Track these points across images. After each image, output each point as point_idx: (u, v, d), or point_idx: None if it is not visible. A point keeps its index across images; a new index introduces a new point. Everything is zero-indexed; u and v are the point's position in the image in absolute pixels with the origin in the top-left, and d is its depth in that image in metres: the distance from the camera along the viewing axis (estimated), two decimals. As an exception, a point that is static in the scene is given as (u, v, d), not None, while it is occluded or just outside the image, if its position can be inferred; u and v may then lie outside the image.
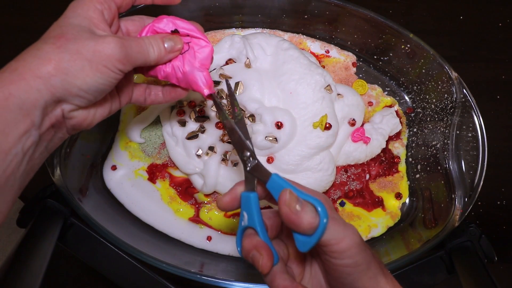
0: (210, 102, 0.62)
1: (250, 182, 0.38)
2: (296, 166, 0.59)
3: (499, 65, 0.78)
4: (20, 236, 0.51)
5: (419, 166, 0.65)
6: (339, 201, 0.64)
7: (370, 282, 0.34)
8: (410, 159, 0.67)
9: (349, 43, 0.71)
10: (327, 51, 0.71)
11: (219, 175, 0.59)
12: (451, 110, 0.61)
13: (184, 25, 0.46)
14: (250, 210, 0.37)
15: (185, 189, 0.63)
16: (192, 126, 0.62)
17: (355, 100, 0.64)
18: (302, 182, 0.59)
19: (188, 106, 0.63)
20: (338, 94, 0.64)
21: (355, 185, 0.65)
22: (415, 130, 0.68)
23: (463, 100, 0.61)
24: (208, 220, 0.62)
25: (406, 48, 0.66)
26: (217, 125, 0.61)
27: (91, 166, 0.62)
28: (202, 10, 0.67)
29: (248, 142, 0.40)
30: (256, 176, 0.38)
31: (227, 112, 0.44)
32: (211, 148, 0.60)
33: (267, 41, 0.64)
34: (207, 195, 0.62)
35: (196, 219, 0.62)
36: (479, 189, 0.57)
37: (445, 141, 0.61)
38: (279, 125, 0.59)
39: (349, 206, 0.64)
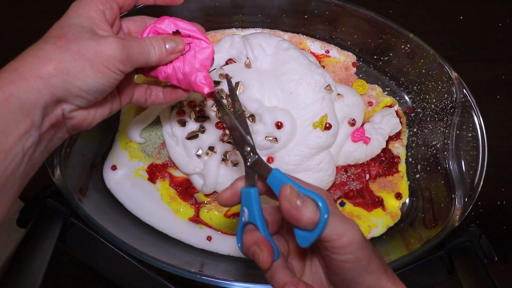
0: (210, 102, 0.62)
1: (251, 178, 0.38)
2: (296, 166, 0.59)
3: (499, 65, 0.78)
4: (20, 236, 0.51)
5: (419, 166, 0.65)
6: (339, 201, 0.64)
7: (371, 278, 0.34)
8: (410, 159, 0.67)
9: (349, 43, 0.71)
10: (327, 51, 0.71)
11: (219, 175, 0.59)
12: (451, 110, 0.61)
13: (185, 26, 0.46)
14: (251, 205, 0.37)
15: (185, 189, 0.63)
16: (192, 126, 0.62)
17: (355, 100, 0.64)
18: (302, 182, 0.59)
19: (188, 106, 0.63)
20: (338, 94, 0.64)
21: (355, 185, 0.65)
22: (415, 130, 0.68)
23: (463, 100, 0.61)
24: (208, 220, 0.62)
25: (406, 48, 0.66)
26: (217, 125, 0.61)
27: (91, 166, 0.62)
28: (202, 10, 0.68)
29: (248, 137, 0.40)
30: (257, 171, 0.38)
31: (228, 108, 0.44)
32: (211, 148, 0.60)
33: (267, 41, 0.64)
34: (207, 195, 0.62)
35: (196, 219, 0.62)
36: (479, 189, 0.57)
37: (445, 141, 0.61)
38: (279, 125, 0.59)
39: (349, 206, 0.64)
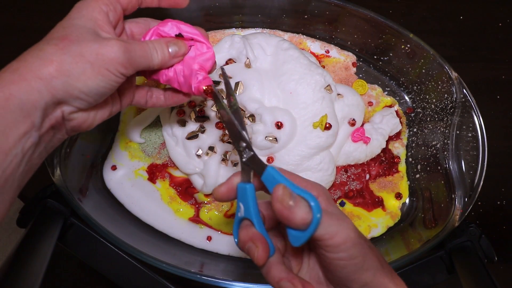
0: (210, 102, 0.62)
1: (247, 173, 0.38)
2: (296, 166, 0.59)
3: (499, 65, 0.78)
4: (20, 236, 0.51)
5: (419, 166, 0.65)
6: (339, 201, 0.64)
7: (367, 275, 0.34)
8: (410, 159, 0.67)
9: (349, 43, 0.71)
10: (327, 51, 0.71)
11: (219, 175, 0.59)
12: (451, 110, 0.62)
13: (188, 30, 0.46)
14: (246, 201, 0.36)
15: (185, 189, 0.63)
16: (192, 126, 0.62)
17: (355, 100, 0.64)
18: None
19: (188, 106, 0.63)
20: (338, 94, 0.64)
21: (355, 185, 0.65)
22: (415, 130, 0.68)
23: (463, 100, 0.61)
24: (208, 220, 0.62)
25: (406, 48, 0.66)
26: (217, 125, 0.61)
27: (91, 166, 0.62)
28: (202, 10, 0.67)
29: (244, 132, 0.40)
30: (252, 167, 0.38)
31: (224, 101, 0.43)
32: (211, 148, 0.60)
33: (267, 41, 0.64)
34: (207, 195, 0.62)
35: (196, 219, 0.62)
36: (479, 189, 0.57)
37: (445, 141, 0.61)
38: (279, 125, 0.59)
39: (349, 206, 0.64)
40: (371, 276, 0.34)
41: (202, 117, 0.62)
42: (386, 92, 0.71)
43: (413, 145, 0.67)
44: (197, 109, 0.62)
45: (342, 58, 0.71)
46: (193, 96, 0.63)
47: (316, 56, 0.70)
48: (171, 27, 0.46)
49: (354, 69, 0.71)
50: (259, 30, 0.72)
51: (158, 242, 0.59)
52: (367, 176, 0.66)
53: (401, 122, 0.68)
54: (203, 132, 0.61)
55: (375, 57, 0.70)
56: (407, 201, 0.65)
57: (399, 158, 0.67)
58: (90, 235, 0.56)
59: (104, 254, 0.56)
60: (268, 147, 0.59)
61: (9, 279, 0.45)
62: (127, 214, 0.61)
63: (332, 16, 0.68)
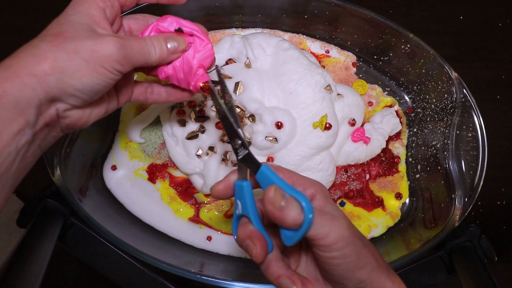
0: (210, 102, 0.62)
1: (243, 171, 0.38)
2: (296, 166, 0.59)
3: (499, 65, 0.78)
4: (20, 236, 0.51)
5: (419, 166, 0.65)
6: (339, 201, 0.64)
7: (362, 272, 0.34)
8: (410, 159, 0.67)
9: (349, 43, 0.71)
10: (327, 51, 0.71)
11: (219, 175, 0.59)
12: (451, 110, 0.62)
13: (188, 25, 0.46)
14: (243, 198, 0.36)
15: (185, 189, 0.63)
16: (192, 126, 0.62)
17: (355, 100, 0.64)
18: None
19: (188, 106, 0.63)
20: (338, 94, 0.64)
21: (355, 185, 0.65)
22: (415, 130, 0.68)
23: (463, 100, 0.61)
24: (208, 220, 0.62)
25: (406, 48, 0.66)
26: (217, 125, 0.61)
27: (91, 166, 0.62)
28: (202, 10, 0.68)
29: (240, 130, 0.40)
30: (247, 166, 0.38)
31: (220, 97, 0.43)
32: (211, 148, 0.60)
33: (267, 41, 0.64)
34: (207, 195, 0.62)
35: (196, 219, 0.62)
36: (479, 189, 0.57)
37: (445, 141, 0.61)
38: (279, 125, 0.59)
39: (349, 206, 0.64)
40: (366, 274, 0.34)
41: (202, 117, 0.62)
42: (386, 92, 0.71)
43: (413, 145, 0.67)
44: (197, 109, 0.62)
45: (342, 58, 0.71)
46: (194, 96, 0.63)
47: (316, 56, 0.70)
48: (170, 22, 0.45)
49: (354, 69, 0.71)
50: (259, 30, 0.72)
51: (158, 242, 0.59)
52: (367, 176, 0.66)
53: (401, 122, 0.68)
54: (203, 132, 0.61)
55: (375, 57, 0.70)
56: (407, 201, 0.65)
57: (399, 158, 0.67)
58: (90, 235, 0.56)
59: (104, 254, 0.56)
60: (268, 147, 0.59)
61: (9, 279, 0.45)
62: (127, 214, 0.61)
63: (332, 16, 0.68)
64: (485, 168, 0.57)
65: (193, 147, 0.61)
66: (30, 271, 0.47)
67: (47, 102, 0.36)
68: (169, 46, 0.43)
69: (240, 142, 0.39)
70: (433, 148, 0.63)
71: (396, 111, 0.69)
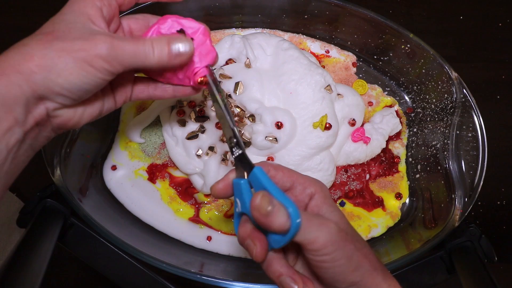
0: (210, 102, 0.62)
1: (240, 169, 0.38)
2: (296, 166, 0.59)
3: (499, 65, 0.78)
4: (20, 236, 0.51)
5: (419, 166, 0.65)
6: (339, 201, 0.64)
7: (353, 275, 0.34)
8: (410, 159, 0.67)
9: (349, 43, 0.71)
10: (327, 51, 0.71)
11: (219, 175, 0.59)
12: (451, 110, 0.62)
13: (190, 25, 0.44)
14: (242, 196, 0.36)
15: (185, 189, 0.63)
16: (192, 126, 0.62)
17: (355, 100, 0.64)
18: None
19: (188, 106, 0.63)
20: (338, 94, 0.64)
21: (355, 185, 0.65)
22: (415, 130, 0.68)
23: (463, 100, 0.61)
24: (208, 220, 0.62)
25: (406, 48, 0.66)
26: (217, 125, 0.61)
27: (91, 166, 0.62)
28: (202, 10, 0.68)
29: (235, 129, 0.39)
30: (241, 165, 0.38)
31: (218, 95, 0.42)
32: (211, 148, 0.60)
33: (267, 41, 0.64)
34: (207, 195, 0.62)
35: (196, 219, 0.62)
36: (479, 189, 0.57)
37: (445, 141, 0.61)
38: (279, 125, 0.59)
39: (349, 206, 0.64)
40: (359, 277, 0.34)
41: (202, 117, 0.62)
42: (386, 92, 0.71)
43: (413, 145, 0.67)
44: (197, 109, 0.62)
45: (342, 58, 0.71)
46: (193, 96, 0.63)
47: (316, 56, 0.70)
48: (171, 25, 0.43)
49: (354, 69, 0.71)
50: (259, 30, 0.72)
51: (158, 242, 0.59)
52: (367, 176, 0.66)
53: (401, 122, 0.68)
54: (203, 132, 0.61)
55: (375, 57, 0.70)
56: (407, 201, 0.65)
57: (399, 158, 0.67)
58: (90, 235, 0.56)
59: (104, 254, 0.56)
60: (268, 147, 0.59)
61: (9, 279, 0.45)
62: (127, 214, 0.61)
63: (332, 16, 0.68)
64: (485, 168, 0.57)
65: (193, 147, 0.61)
66: (30, 271, 0.47)
67: (34, 100, 0.35)
68: (172, 49, 0.40)
69: (235, 140, 0.39)
70: (433, 148, 0.63)
71: (396, 111, 0.69)
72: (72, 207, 0.53)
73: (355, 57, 0.71)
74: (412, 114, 0.69)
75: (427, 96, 0.66)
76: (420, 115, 0.68)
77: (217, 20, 0.70)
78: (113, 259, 0.56)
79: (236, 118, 0.61)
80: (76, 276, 0.69)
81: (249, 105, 0.60)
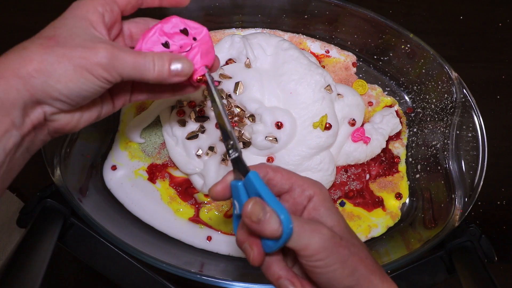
0: (210, 103, 0.62)
1: (238, 172, 0.38)
2: (296, 166, 0.59)
3: (499, 65, 0.78)
4: (20, 236, 0.51)
5: (419, 166, 0.65)
6: (339, 201, 0.64)
7: (348, 280, 0.34)
8: (410, 159, 0.67)
9: (349, 43, 0.71)
10: (327, 51, 0.71)
11: (219, 175, 0.59)
12: (451, 110, 0.62)
13: (194, 25, 0.44)
14: (239, 198, 0.36)
15: (185, 189, 0.63)
16: (192, 126, 0.62)
17: (355, 100, 0.64)
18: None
19: (188, 106, 0.63)
20: (338, 94, 0.64)
21: (355, 185, 0.65)
22: (415, 130, 0.68)
23: (463, 100, 0.61)
24: (208, 220, 0.62)
25: (406, 48, 0.66)
26: (217, 125, 0.61)
27: (91, 166, 0.62)
28: (202, 10, 0.68)
29: (232, 131, 0.39)
30: (237, 168, 0.38)
31: (216, 97, 0.42)
32: (211, 148, 0.60)
33: (267, 41, 0.64)
34: (207, 195, 0.62)
35: (196, 219, 0.62)
36: (479, 189, 0.57)
37: (445, 141, 0.61)
38: (279, 125, 0.59)
39: (349, 206, 0.64)
40: (354, 281, 0.34)
41: (202, 117, 0.62)
42: (386, 92, 0.71)
43: (413, 145, 0.67)
44: (197, 109, 0.62)
45: (342, 58, 0.71)
46: (193, 95, 0.63)
47: (316, 56, 0.70)
48: (175, 23, 0.43)
49: (354, 69, 0.71)
50: (259, 30, 0.72)
51: (158, 242, 0.59)
52: (367, 176, 0.66)
53: (401, 122, 0.68)
54: (203, 132, 0.61)
55: (375, 57, 0.70)
56: (407, 201, 0.65)
57: (399, 158, 0.67)
58: (90, 235, 0.56)
59: (104, 254, 0.56)
60: (268, 147, 0.59)
61: (9, 279, 0.45)
62: (127, 214, 0.61)
63: (332, 16, 0.68)
64: (485, 168, 0.57)
65: (193, 147, 0.61)
66: (30, 271, 0.47)
67: (32, 104, 0.35)
68: (172, 68, 0.41)
69: (232, 142, 0.39)
70: (433, 148, 0.63)
71: (396, 111, 0.69)
72: (72, 207, 0.53)
73: (355, 57, 0.71)
74: (412, 114, 0.69)
75: (427, 96, 0.66)
76: (420, 115, 0.68)
77: (217, 20, 0.70)
78: (113, 259, 0.56)
79: (236, 118, 0.61)
80: (76, 276, 0.69)
81: (249, 105, 0.60)
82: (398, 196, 0.65)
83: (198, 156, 0.61)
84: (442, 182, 0.60)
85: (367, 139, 0.64)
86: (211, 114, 0.62)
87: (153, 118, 0.65)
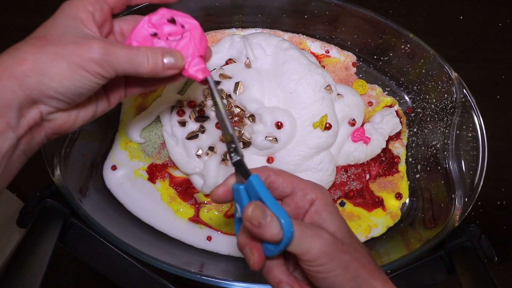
0: (210, 102, 0.62)
1: (239, 175, 0.38)
2: (296, 166, 0.59)
3: (499, 65, 0.78)
4: (20, 236, 0.51)
5: (419, 166, 0.65)
6: (339, 201, 0.64)
7: (350, 285, 0.34)
8: (410, 159, 0.67)
9: (349, 43, 0.71)
10: (327, 51, 0.71)
11: (219, 175, 0.59)
12: (451, 110, 0.62)
13: (181, 14, 0.45)
14: (241, 202, 0.36)
15: (185, 189, 0.63)
16: (192, 126, 0.62)
17: (355, 100, 0.64)
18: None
19: (188, 106, 0.63)
20: (338, 94, 0.64)
21: (355, 185, 0.65)
22: (415, 130, 0.68)
23: (463, 100, 0.61)
24: (208, 220, 0.62)
25: (406, 48, 0.66)
26: (217, 125, 0.61)
27: (91, 166, 0.62)
28: (202, 10, 0.68)
29: (234, 134, 0.39)
30: (239, 171, 0.38)
31: (218, 99, 0.42)
32: (211, 148, 0.60)
33: (267, 41, 0.64)
34: (207, 195, 0.62)
35: (196, 219, 0.62)
36: (479, 189, 0.57)
37: (445, 141, 0.61)
38: (279, 125, 0.59)
39: (349, 206, 0.64)
40: (355, 286, 0.34)
41: (202, 117, 0.62)
42: (386, 92, 0.71)
43: (413, 145, 0.67)
44: (197, 109, 0.62)
45: (342, 58, 0.71)
46: (193, 95, 0.63)
47: (316, 56, 0.70)
48: (162, 14, 0.44)
49: (354, 69, 0.71)
50: (259, 30, 0.72)
51: (158, 242, 0.59)
52: (367, 176, 0.66)
53: (401, 122, 0.68)
54: (203, 132, 0.61)
55: (375, 57, 0.70)
56: (407, 201, 0.65)
57: (399, 158, 0.67)
58: (90, 235, 0.56)
59: (104, 254, 0.56)
60: (268, 147, 0.59)
61: (9, 279, 0.45)
62: (127, 214, 0.61)
63: (332, 16, 0.68)
64: (485, 168, 0.57)
65: (193, 147, 0.61)
66: (30, 271, 0.47)
67: (28, 104, 0.35)
68: (165, 61, 0.41)
69: (234, 146, 0.39)
70: (433, 148, 0.63)
71: (396, 111, 0.69)
72: (72, 207, 0.53)
73: (355, 57, 0.71)
74: (412, 114, 0.69)
75: (427, 96, 0.66)
76: (420, 115, 0.68)
77: (217, 20, 0.70)
78: (113, 259, 0.56)
79: (236, 118, 0.61)
80: (76, 276, 0.69)
81: (249, 105, 0.60)
82: (398, 196, 0.65)
83: (198, 156, 0.61)
84: (442, 182, 0.60)
85: (367, 139, 0.64)
86: (211, 114, 0.62)
87: (153, 118, 0.65)
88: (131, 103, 0.66)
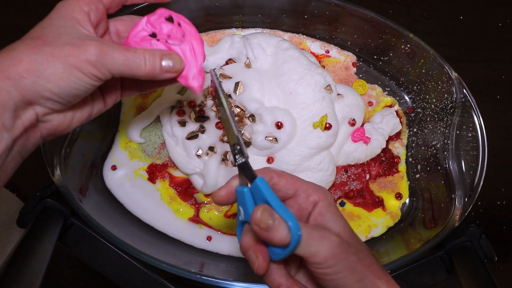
0: (210, 102, 0.62)
1: (243, 177, 0.37)
2: (296, 166, 0.59)
3: (499, 65, 0.78)
4: (20, 236, 0.51)
5: (419, 166, 0.65)
6: (339, 201, 0.64)
7: (357, 286, 0.34)
8: (410, 159, 0.67)
9: (349, 43, 0.71)
10: (327, 51, 0.71)
11: (219, 175, 0.59)
12: (451, 110, 0.62)
13: (180, 16, 0.45)
14: (245, 205, 0.36)
15: (185, 189, 0.63)
16: (192, 126, 0.62)
17: (355, 100, 0.64)
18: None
19: (188, 106, 0.63)
20: (338, 94, 0.64)
21: (355, 185, 0.65)
22: (415, 130, 0.68)
23: (463, 100, 0.61)
24: (208, 220, 0.62)
25: (406, 48, 0.66)
26: (217, 125, 0.61)
27: (91, 166, 0.62)
28: (202, 10, 0.68)
29: (239, 136, 0.39)
30: (244, 174, 0.37)
31: (224, 100, 0.42)
32: (211, 148, 0.60)
33: (267, 41, 0.64)
34: (207, 195, 0.62)
35: (196, 219, 0.62)
36: (479, 189, 0.57)
37: (445, 141, 0.61)
38: (279, 125, 0.59)
39: (349, 206, 0.64)
40: (362, 286, 0.34)
41: (202, 117, 0.62)
42: (386, 92, 0.71)
43: (413, 145, 0.67)
44: (197, 109, 0.62)
45: (342, 58, 0.71)
46: (193, 95, 0.63)
47: (316, 56, 0.70)
48: (161, 13, 0.44)
49: (354, 69, 0.71)
50: (259, 30, 0.72)
51: (158, 242, 0.59)
52: (367, 176, 0.66)
53: (401, 122, 0.68)
54: (203, 132, 0.61)
55: (375, 57, 0.70)
56: (407, 201, 0.65)
57: (399, 158, 0.67)
58: (90, 235, 0.56)
59: (104, 254, 0.56)
60: (268, 147, 0.59)
61: (9, 279, 0.45)
62: (127, 214, 0.61)
63: (332, 16, 0.68)
64: (485, 168, 0.57)
65: (193, 147, 0.61)
66: (30, 271, 0.47)
67: (23, 105, 0.35)
68: (163, 63, 0.41)
69: (239, 147, 0.38)
70: (433, 148, 0.63)
71: (396, 111, 0.69)
72: (72, 207, 0.53)
73: (355, 57, 0.71)
74: (412, 114, 0.69)
75: (427, 96, 0.66)
76: (420, 115, 0.68)
77: (217, 20, 0.70)
78: (113, 259, 0.56)
79: (236, 118, 0.61)
80: (76, 276, 0.69)
81: (249, 105, 0.60)
82: (398, 196, 0.65)
83: (198, 156, 0.61)
84: (442, 182, 0.60)
85: (367, 139, 0.64)
86: (211, 114, 0.62)
87: (153, 118, 0.65)
88: (131, 103, 0.66)
